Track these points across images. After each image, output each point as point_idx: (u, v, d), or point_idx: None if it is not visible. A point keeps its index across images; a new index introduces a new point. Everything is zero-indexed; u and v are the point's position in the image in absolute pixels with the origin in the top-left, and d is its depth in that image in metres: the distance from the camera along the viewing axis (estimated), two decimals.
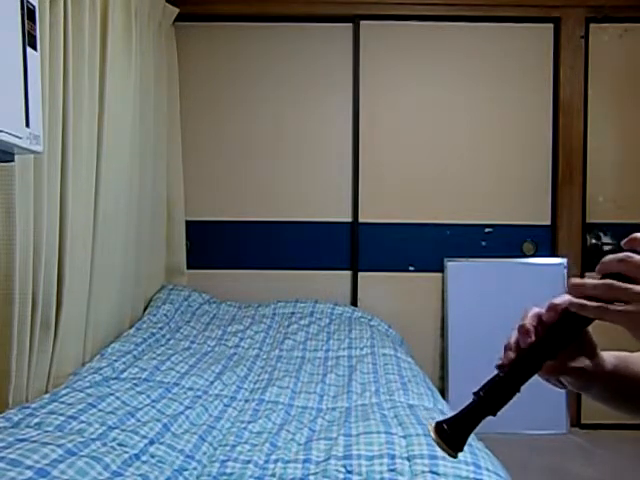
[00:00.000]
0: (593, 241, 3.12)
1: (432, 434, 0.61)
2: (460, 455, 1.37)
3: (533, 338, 0.61)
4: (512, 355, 0.61)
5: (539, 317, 0.62)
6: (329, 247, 3.19)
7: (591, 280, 0.57)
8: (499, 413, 0.61)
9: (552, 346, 0.60)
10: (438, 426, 0.61)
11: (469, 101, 3.14)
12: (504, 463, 1.38)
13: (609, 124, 3.14)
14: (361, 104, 3.13)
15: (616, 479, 2.54)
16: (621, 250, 0.57)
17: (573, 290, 0.58)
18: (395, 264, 3.16)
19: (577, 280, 0.58)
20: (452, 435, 0.60)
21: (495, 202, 3.15)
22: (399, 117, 3.15)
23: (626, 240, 0.57)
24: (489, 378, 0.62)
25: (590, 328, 0.64)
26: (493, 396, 0.60)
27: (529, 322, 0.62)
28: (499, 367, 0.62)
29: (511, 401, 0.60)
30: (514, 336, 0.63)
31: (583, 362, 0.64)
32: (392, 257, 3.16)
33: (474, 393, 0.61)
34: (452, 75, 3.14)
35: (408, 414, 1.60)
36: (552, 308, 0.61)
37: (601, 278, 0.57)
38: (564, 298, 0.61)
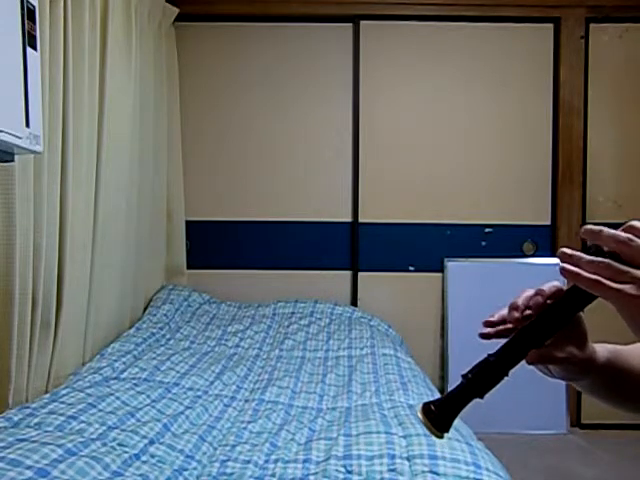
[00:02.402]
0: None
1: (419, 414, 0.62)
2: (460, 455, 1.37)
3: (519, 315, 0.62)
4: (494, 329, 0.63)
5: (530, 299, 0.63)
6: (329, 247, 3.19)
7: (586, 255, 0.55)
8: (487, 396, 0.61)
9: (541, 331, 0.61)
10: (425, 407, 0.62)
11: (469, 101, 3.14)
12: (504, 463, 1.38)
13: (609, 124, 3.14)
14: (361, 104, 3.13)
15: (616, 479, 2.54)
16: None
17: (565, 260, 0.56)
18: (395, 264, 3.16)
19: (570, 250, 0.56)
20: (439, 416, 0.61)
21: (495, 202, 3.15)
22: (399, 117, 3.15)
23: (624, 227, 0.55)
24: (478, 361, 0.62)
25: (585, 319, 0.64)
26: (481, 379, 0.61)
27: (520, 301, 0.63)
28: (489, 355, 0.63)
29: (499, 384, 0.61)
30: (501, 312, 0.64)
31: (570, 352, 0.64)
32: (392, 257, 3.16)
33: (463, 375, 0.62)
34: (452, 75, 3.14)
35: (408, 414, 1.60)
36: (540, 292, 0.62)
37: (592, 252, 0.56)
38: (553, 283, 0.62)
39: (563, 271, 0.55)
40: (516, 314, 0.62)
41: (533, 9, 3.07)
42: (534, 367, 0.64)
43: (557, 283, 0.63)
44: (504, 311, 0.65)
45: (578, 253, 0.56)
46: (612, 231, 0.54)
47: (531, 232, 3.15)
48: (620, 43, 3.12)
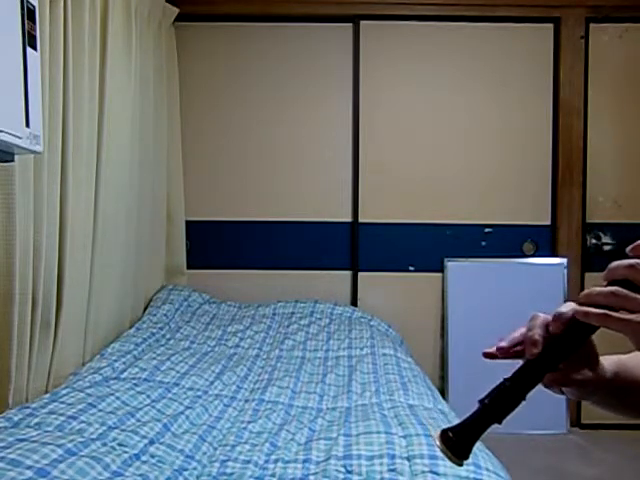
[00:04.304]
0: (593, 241, 3.12)
1: (437, 442, 0.60)
2: None
3: (540, 349, 0.59)
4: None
5: (546, 327, 0.60)
6: (329, 247, 3.19)
7: (598, 287, 0.55)
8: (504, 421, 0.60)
9: (558, 355, 0.60)
10: (444, 434, 0.61)
11: (469, 101, 3.14)
12: (504, 463, 1.38)
13: (609, 124, 3.14)
14: (361, 104, 3.13)
15: (616, 479, 2.54)
16: (623, 253, 0.55)
17: (582, 299, 0.56)
18: (395, 264, 3.16)
19: (587, 290, 0.57)
20: (458, 443, 0.60)
21: (495, 202, 3.15)
22: (399, 117, 3.15)
23: (632, 247, 0.54)
24: (494, 386, 0.61)
25: (594, 337, 0.63)
26: (499, 404, 0.60)
27: (537, 333, 0.60)
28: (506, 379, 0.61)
29: (517, 409, 0.60)
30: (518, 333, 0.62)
31: (585, 374, 0.63)
32: (392, 257, 3.16)
33: (479, 401, 0.61)
34: (452, 75, 3.14)
35: (408, 414, 1.60)
36: (558, 318, 0.59)
37: (607, 285, 0.55)
38: (570, 306, 0.59)
39: (577, 315, 0.56)
40: (535, 351, 0.59)
41: (533, 9, 3.07)
42: (546, 388, 0.63)
43: (574, 305, 0.59)
44: (517, 334, 0.62)
45: (592, 289, 0.56)
46: (622, 261, 0.54)
47: (531, 232, 3.15)
48: (620, 43, 3.12)
